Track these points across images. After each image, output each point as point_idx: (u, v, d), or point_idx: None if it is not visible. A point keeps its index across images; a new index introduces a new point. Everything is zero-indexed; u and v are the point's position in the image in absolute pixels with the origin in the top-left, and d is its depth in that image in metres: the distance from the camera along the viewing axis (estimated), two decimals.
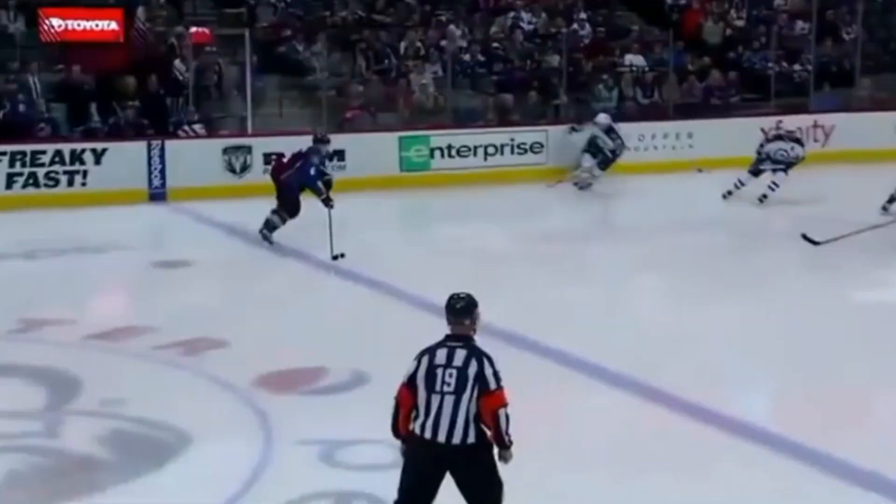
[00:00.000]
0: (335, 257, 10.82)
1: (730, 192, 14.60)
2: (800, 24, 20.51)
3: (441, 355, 4.56)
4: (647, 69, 19.09)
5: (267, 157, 15.04)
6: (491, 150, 16.54)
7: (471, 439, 4.49)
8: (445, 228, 13.58)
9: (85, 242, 12.15)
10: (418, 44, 18.09)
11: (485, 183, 15.67)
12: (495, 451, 4.59)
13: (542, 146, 16.73)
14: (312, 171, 11.37)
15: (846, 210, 12.48)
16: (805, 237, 11.22)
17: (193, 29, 16.56)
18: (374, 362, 7.75)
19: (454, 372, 4.50)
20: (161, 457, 6.29)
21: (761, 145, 14.85)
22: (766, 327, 8.91)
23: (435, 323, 8.76)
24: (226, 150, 15.17)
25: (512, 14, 19.40)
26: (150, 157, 14.69)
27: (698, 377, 7.58)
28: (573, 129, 16.46)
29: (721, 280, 10.45)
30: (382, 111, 17.12)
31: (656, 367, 7.71)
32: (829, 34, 20.27)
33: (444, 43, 18.08)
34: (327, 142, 11.95)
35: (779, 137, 14.95)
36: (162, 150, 14.76)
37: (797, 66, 19.79)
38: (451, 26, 18.61)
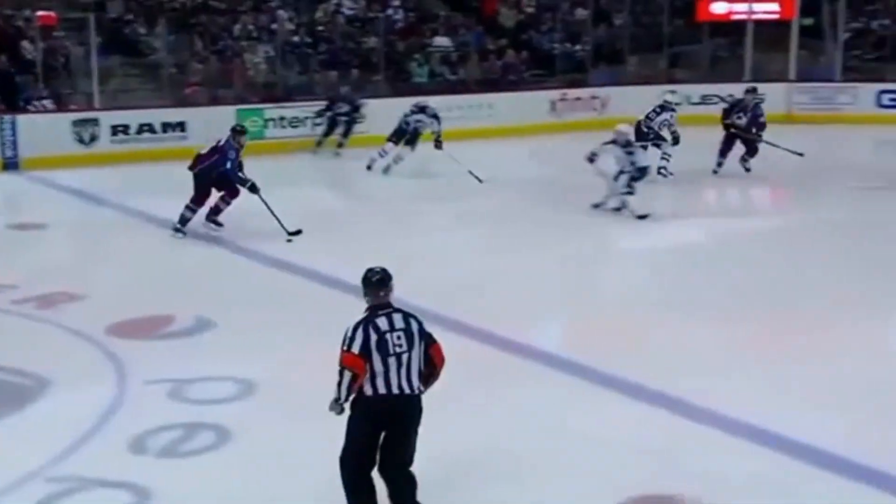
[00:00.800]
0: (294, 232, 9.78)
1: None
2: (579, 10, 20.97)
3: (382, 323, 4.47)
4: (452, 49, 19.21)
5: (114, 129, 14.72)
6: (318, 120, 16.33)
7: (421, 387, 4.52)
8: (281, 190, 13.30)
9: None
10: (251, 27, 17.69)
11: (314, 150, 15.46)
12: None
13: (363, 117, 16.60)
14: (228, 165, 9.85)
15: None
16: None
17: (40, 12, 15.75)
18: (217, 309, 7.67)
19: (401, 334, 4.46)
20: (22, 400, 6.06)
21: (649, 119, 13.13)
22: (565, 270, 9.17)
23: (272, 274, 8.86)
24: (75, 123, 14.58)
25: (334, 1, 19.16)
26: (1, 130, 13.94)
27: (502, 312, 7.74)
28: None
29: (523, 231, 10.55)
30: (220, 87, 16.71)
31: (463, 304, 7.81)
32: (603, 20, 20.86)
33: (274, 26, 17.73)
34: (244, 132, 10.30)
35: (662, 108, 13.24)
36: (13, 123, 14.05)
37: (578, 47, 20.28)
38: (280, 11, 18.26)
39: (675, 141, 13.05)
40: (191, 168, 10.09)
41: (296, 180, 13.92)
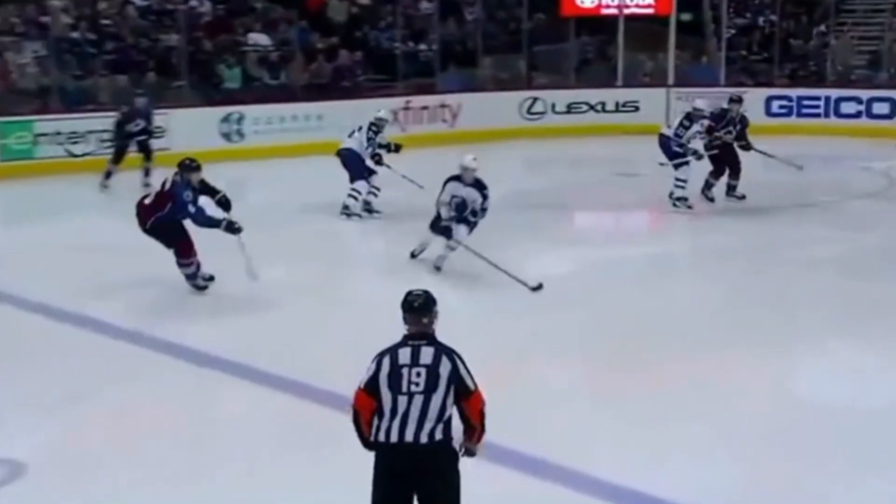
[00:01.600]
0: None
1: (685, 199, 13.12)
2: (424, 3, 21.27)
3: (405, 355, 4.51)
4: (272, 48, 19.08)
5: None
6: (106, 135, 15.88)
7: (437, 436, 4.44)
8: (57, 221, 12.88)
9: None
10: (15, 19, 17.12)
11: (100, 171, 14.91)
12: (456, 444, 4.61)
13: (164, 130, 16.28)
14: (192, 210, 9.18)
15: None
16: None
17: None
18: None
19: (422, 371, 4.46)
20: None
21: (678, 135, 12.90)
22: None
23: (49, 326, 8.50)
24: None
25: None
26: None
27: (332, 365, 7.65)
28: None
29: (357, 267, 10.72)
30: None
31: (285, 356, 7.82)
32: (452, 14, 21.18)
33: (46, 19, 17.22)
34: (197, 169, 9.43)
35: (690, 118, 13.01)
36: None
37: (423, 46, 20.51)
38: (54, 1, 17.74)
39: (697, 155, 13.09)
40: (142, 225, 9.38)
41: (78, 208, 13.52)
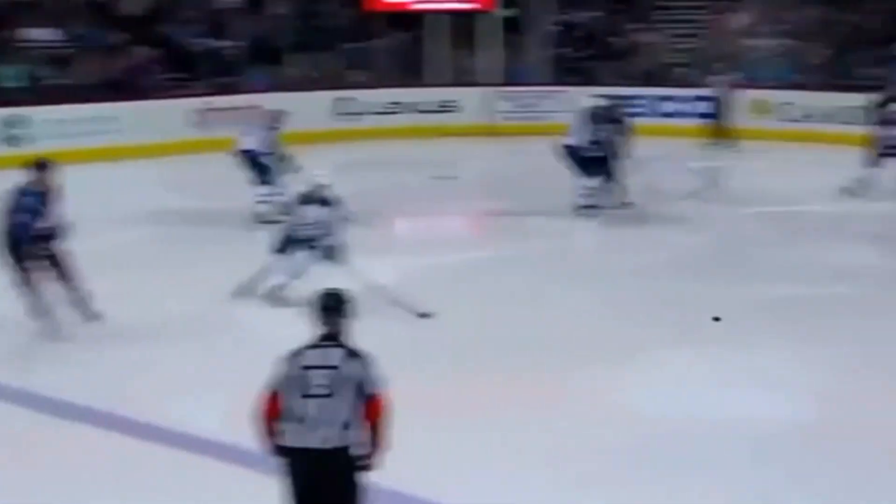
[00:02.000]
0: None
1: (591, 207, 13.07)
2: None
3: (312, 356, 4.60)
4: (59, 45, 18.64)
5: None
6: None
7: (337, 442, 4.52)
8: None
9: None
10: None
11: None
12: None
13: None
14: (22, 217, 8.24)
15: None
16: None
17: None
18: None
19: (330, 372, 4.54)
20: None
21: (596, 141, 12.85)
22: (215, 334, 8.92)
23: None
24: None
25: None
26: None
27: (135, 393, 7.40)
28: None
29: (159, 283, 10.30)
30: None
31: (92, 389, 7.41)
32: (256, 9, 20.97)
33: None
34: (43, 167, 8.47)
35: (595, 119, 12.97)
36: None
37: (227, 43, 20.22)
38: None
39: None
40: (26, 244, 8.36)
41: None
